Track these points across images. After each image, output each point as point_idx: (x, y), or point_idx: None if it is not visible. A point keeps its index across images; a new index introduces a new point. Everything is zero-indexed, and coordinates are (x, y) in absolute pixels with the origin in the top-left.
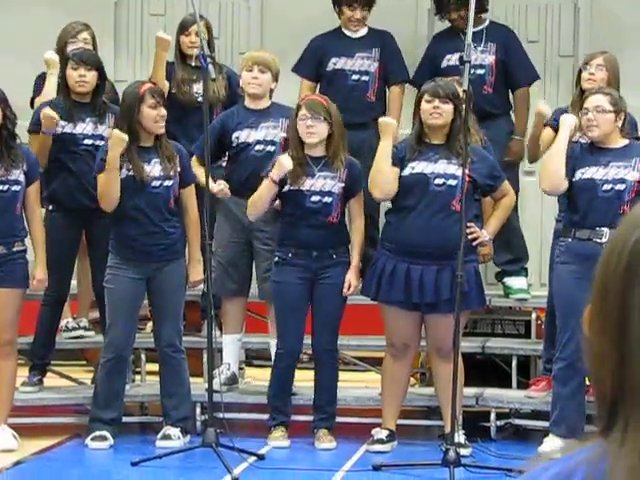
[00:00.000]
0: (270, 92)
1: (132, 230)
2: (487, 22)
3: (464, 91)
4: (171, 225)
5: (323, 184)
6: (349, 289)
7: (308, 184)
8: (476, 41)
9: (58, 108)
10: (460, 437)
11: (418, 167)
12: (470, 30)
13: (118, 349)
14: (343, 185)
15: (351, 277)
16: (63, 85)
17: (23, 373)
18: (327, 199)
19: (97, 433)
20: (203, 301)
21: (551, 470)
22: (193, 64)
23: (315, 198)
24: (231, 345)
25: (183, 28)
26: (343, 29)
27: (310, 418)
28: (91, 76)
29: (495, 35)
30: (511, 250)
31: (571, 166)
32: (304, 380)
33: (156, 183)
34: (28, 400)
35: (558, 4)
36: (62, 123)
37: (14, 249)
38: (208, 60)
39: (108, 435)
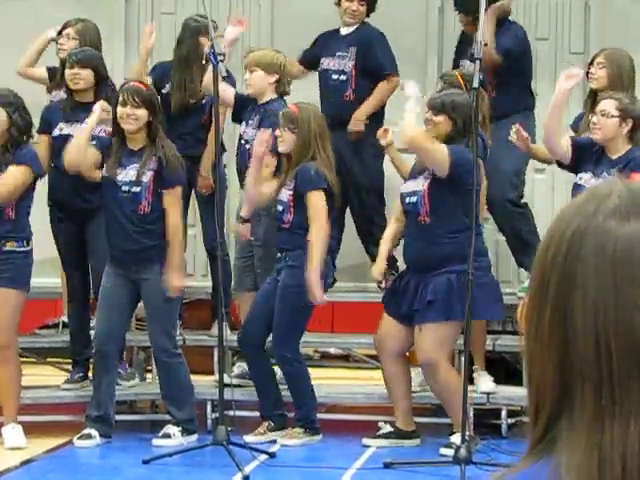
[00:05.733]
0: (279, 86)
1: (110, 231)
2: None
3: (474, 88)
4: (144, 233)
5: (281, 191)
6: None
7: (280, 195)
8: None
9: (58, 110)
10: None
11: (403, 187)
12: (481, 28)
13: (99, 344)
14: (291, 193)
15: (309, 282)
16: (65, 85)
17: (32, 372)
18: (279, 207)
19: (85, 431)
20: (214, 299)
21: None
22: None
23: (278, 206)
24: None
25: (201, 32)
26: (340, 27)
27: (321, 416)
28: (85, 74)
29: None
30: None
31: (578, 153)
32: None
33: (125, 188)
34: (38, 399)
35: (569, 1)
36: (61, 125)
37: (4, 249)
38: (219, 58)
39: (94, 433)
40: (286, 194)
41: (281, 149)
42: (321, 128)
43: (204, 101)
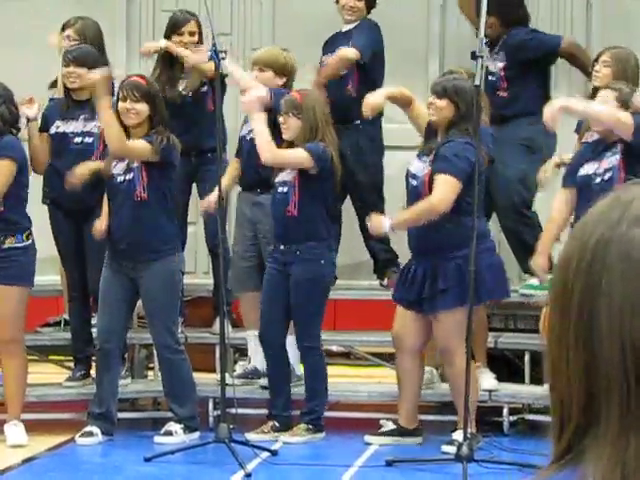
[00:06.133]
0: (287, 85)
1: (110, 227)
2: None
3: (475, 86)
4: (142, 225)
5: (280, 174)
6: None
7: (280, 177)
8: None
9: (57, 108)
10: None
11: (410, 164)
12: (482, 26)
13: (101, 341)
14: (294, 175)
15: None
16: (63, 84)
17: (34, 369)
18: (282, 189)
19: (87, 429)
20: (215, 296)
21: None
22: (190, 63)
23: (280, 189)
24: (254, 340)
25: (175, 27)
26: (342, 26)
27: (329, 414)
28: (80, 72)
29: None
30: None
31: (571, 170)
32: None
33: (120, 178)
34: (40, 396)
35: None
36: (58, 122)
37: (4, 246)
38: (221, 55)
39: (96, 431)
40: (291, 174)
41: (286, 136)
42: (326, 114)
43: (204, 89)
